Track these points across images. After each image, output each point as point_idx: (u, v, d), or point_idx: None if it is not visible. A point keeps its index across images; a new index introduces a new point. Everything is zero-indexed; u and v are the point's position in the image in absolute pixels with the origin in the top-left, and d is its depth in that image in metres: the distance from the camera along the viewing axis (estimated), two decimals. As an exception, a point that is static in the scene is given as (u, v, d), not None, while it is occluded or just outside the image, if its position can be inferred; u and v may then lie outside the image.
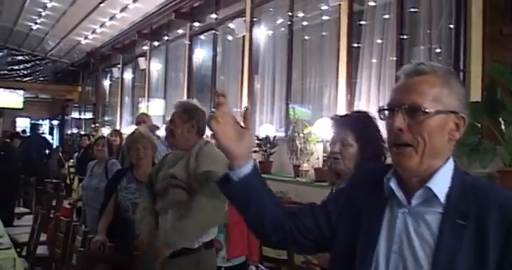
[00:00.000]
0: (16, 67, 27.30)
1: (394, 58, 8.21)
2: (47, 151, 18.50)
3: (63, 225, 6.24)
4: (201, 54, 14.88)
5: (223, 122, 2.00)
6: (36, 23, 21.17)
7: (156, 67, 17.83)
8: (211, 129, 2.01)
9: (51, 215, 7.35)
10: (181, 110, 4.62)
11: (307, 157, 8.84)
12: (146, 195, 4.84)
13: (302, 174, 8.85)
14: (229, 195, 2.15)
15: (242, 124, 2.05)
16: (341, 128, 3.40)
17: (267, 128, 10.57)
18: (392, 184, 1.96)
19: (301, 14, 10.67)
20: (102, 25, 18.82)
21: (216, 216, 4.42)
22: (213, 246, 4.67)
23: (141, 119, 8.94)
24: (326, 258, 2.68)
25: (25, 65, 27.55)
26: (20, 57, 27.43)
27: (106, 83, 23.68)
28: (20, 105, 26.84)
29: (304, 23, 10.61)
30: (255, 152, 9.63)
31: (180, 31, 15.84)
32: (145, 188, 4.91)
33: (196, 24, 14.79)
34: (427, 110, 1.85)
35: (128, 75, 20.68)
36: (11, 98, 26.43)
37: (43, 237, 7.25)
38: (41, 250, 7.09)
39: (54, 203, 9.49)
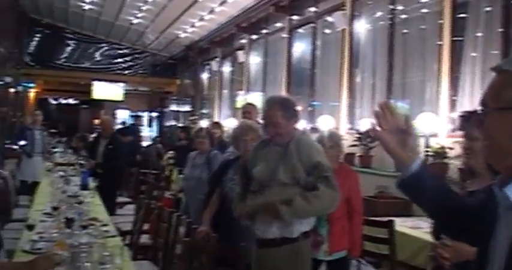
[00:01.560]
0: (117, 60, 27.88)
1: (499, 52, 8.02)
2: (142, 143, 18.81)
3: (166, 215, 6.37)
4: (300, 48, 14.83)
5: (387, 130, 2.20)
6: (136, 17, 21.54)
7: (254, 60, 17.84)
8: (376, 138, 2.23)
9: (152, 205, 7.50)
10: (278, 107, 4.66)
11: (409, 152, 8.71)
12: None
13: (403, 169, 8.69)
14: (401, 190, 2.35)
15: (407, 130, 2.23)
16: (467, 123, 3.40)
17: (368, 122, 10.50)
18: (495, 184, 1.90)
19: (401, 7, 10.54)
20: (201, 19, 18.97)
21: (331, 205, 4.53)
22: (310, 236, 4.75)
23: (247, 109, 8.87)
24: (458, 252, 2.66)
25: (125, 58, 28.06)
26: (120, 51, 27.98)
27: (204, 76, 23.86)
28: (121, 98, 27.47)
29: (403, 16, 10.48)
30: (355, 146, 9.60)
31: (279, 24, 15.78)
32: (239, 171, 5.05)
33: (295, 17, 14.72)
34: (486, 108, 1.84)
35: (227, 68, 20.77)
36: (112, 91, 27.12)
37: (145, 226, 7.41)
38: (144, 239, 7.26)
39: (155, 193, 9.69)
